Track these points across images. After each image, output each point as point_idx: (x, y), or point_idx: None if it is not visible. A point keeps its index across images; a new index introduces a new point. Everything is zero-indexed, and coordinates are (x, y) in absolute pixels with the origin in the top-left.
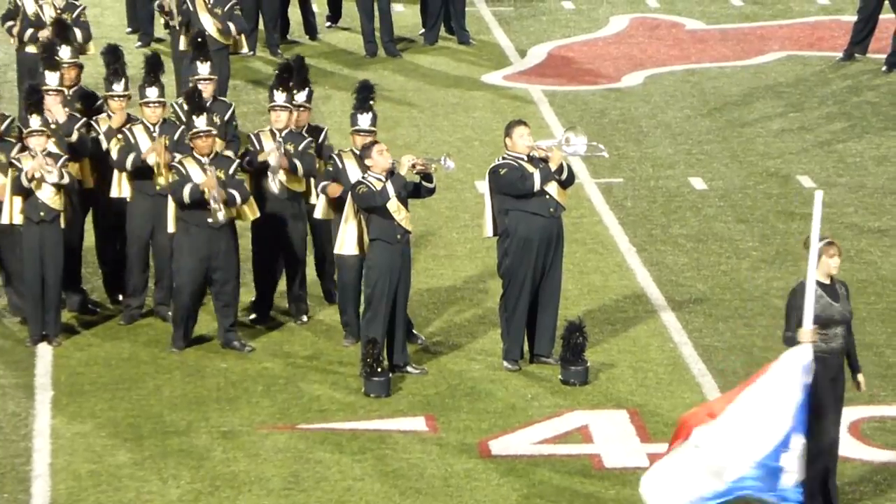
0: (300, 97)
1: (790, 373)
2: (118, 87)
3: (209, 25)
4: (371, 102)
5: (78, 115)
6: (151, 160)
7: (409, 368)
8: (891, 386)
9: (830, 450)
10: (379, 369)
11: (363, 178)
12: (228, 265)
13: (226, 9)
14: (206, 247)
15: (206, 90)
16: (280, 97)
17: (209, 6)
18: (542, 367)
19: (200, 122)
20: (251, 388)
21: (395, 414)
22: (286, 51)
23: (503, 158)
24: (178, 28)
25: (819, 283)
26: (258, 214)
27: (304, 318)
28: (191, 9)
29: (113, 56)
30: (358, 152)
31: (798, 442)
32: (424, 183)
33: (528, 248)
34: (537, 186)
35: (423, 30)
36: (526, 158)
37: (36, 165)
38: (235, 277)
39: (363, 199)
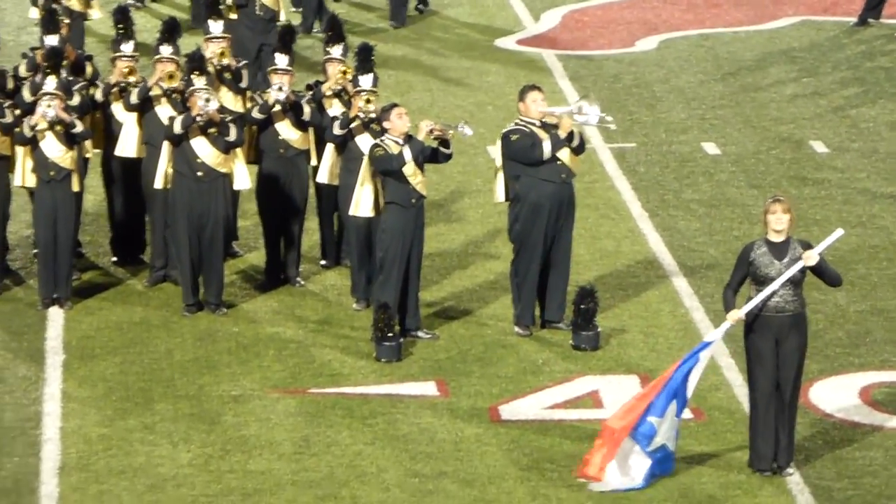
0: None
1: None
2: (126, 48)
3: None
4: (371, 63)
5: (79, 79)
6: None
7: (420, 333)
8: None
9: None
10: (390, 334)
11: (381, 140)
12: (217, 221)
13: None
14: (199, 201)
15: (220, 47)
16: (282, 60)
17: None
18: (554, 333)
19: (199, 82)
20: (262, 353)
21: (405, 378)
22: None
23: (516, 124)
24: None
25: (767, 241)
26: (251, 160)
27: (301, 282)
28: None
29: (122, 17)
30: (360, 113)
31: (671, 411)
32: (441, 148)
33: (538, 213)
34: (547, 155)
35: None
36: (538, 124)
37: (38, 114)
38: (224, 234)
39: (380, 162)
